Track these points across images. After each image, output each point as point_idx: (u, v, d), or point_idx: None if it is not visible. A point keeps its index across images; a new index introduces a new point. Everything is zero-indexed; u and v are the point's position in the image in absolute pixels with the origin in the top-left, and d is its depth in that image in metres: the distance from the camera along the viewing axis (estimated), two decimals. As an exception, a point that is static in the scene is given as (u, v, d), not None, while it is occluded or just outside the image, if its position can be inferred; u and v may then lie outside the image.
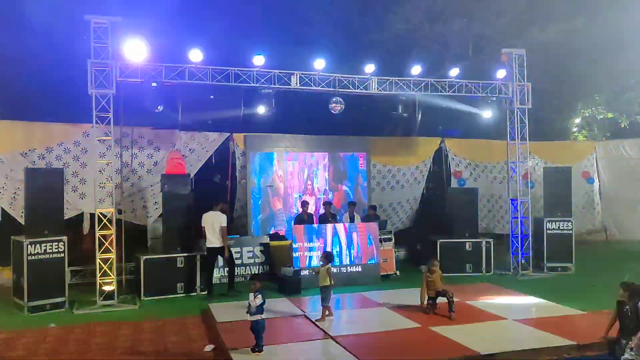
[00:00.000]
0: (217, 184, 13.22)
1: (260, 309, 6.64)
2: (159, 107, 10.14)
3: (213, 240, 10.45)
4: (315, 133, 13.92)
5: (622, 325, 6.82)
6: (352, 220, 12.59)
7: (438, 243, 12.58)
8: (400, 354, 6.64)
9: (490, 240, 12.76)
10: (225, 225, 10.56)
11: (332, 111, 11.27)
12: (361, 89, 11.47)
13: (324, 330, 7.64)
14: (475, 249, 12.59)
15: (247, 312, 6.71)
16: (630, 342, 6.53)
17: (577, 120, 20.06)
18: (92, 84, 9.64)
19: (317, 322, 8.08)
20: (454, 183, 15.37)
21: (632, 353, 6.43)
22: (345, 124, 13.78)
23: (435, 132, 15.35)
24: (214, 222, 10.47)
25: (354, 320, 8.10)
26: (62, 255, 9.50)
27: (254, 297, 6.58)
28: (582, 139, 19.64)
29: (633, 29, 16.45)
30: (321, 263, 8.65)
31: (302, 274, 10.86)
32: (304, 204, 12.59)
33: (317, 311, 8.64)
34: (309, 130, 13.86)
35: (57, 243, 9.45)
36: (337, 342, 7.10)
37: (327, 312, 8.30)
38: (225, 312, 8.76)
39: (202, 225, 10.47)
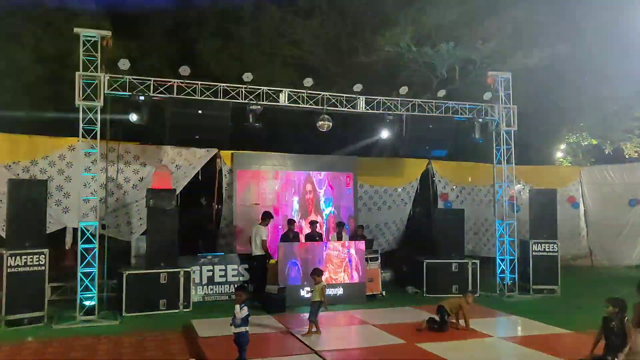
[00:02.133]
0: (206, 197, 13.14)
1: (245, 322, 6.52)
2: (138, 96, 10.00)
3: (255, 250, 11.45)
4: (302, 152, 13.93)
5: (608, 342, 6.78)
6: (340, 239, 12.55)
7: (424, 263, 12.53)
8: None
9: (477, 261, 12.74)
10: (265, 239, 11.44)
11: (320, 129, 11.30)
12: (349, 108, 11.54)
13: (308, 345, 7.52)
14: (462, 270, 12.55)
15: (231, 324, 6.58)
16: (616, 358, 6.51)
17: (562, 146, 20.33)
18: (80, 95, 9.61)
19: (302, 337, 7.96)
20: (440, 205, 15.39)
21: (618, 369, 6.41)
22: (332, 144, 13.84)
23: (422, 154, 15.39)
24: (256, 235, 11.45)
25: (338, 337, 7.98)
26: (43, 268, 9.32)
27: (240, 309, 6.47)
28: (567, 165, 19.87)
29: (616, 56, 16.81)
30: (313, 281, 8.51)
31: (286, 292, 10.75)
32: (290, 223, 12.53)
33: (301, 327, 8.53)
34: (296, 149, 13.87)
35: (38, 256, 9.28)
36: (321, 356, 6.98)
37: (313, 328, 8.19)
38: (207, 327, 8.61)
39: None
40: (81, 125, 9.63)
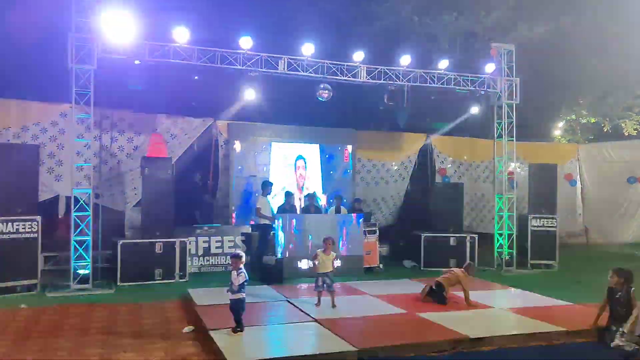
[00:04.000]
0: (200, 172, 12.93)
1: (242, 288, 6.37)
2: (133, 60, 9.72)
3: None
4: (300, 123, 13.70)
5: (613, 312, 6.70)
6: (338, 212, 12.40)
7: (422, 237, 12.42)
8: (388, 337, 6.40)
9: (475, 235, 12.63)
10: (259, 207, 11.47)
11: (320, 98, 11.07)
12: (350, 77, 11.28)
13: (307, 313, 7.37)
14: (460, 244, 12.44)
15: (227, 291, 6.42)
16: (620, 329, 6.42)
17: (561, 124, 20.16)
18: (73, 58, 9.30)
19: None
20: (439, 180, 15.25)
21: (623, 339, 6.32)
22: (331, 116, 13.60)
23: (421, 128, 15.20)
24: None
25: (338, 306, 7.80)
26: (35, 235, 9.10)
27: (237, 274, 6.31)
28: (565, 142, 19.72)
29: (616, 32, 16.55)
30: (322, 249, 8.05)
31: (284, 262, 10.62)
32: (288, 195, 12.35)
33: (300, 297, 8.42)
34: (294, 121, 13.64)
35: (30, 223, 9.06)
36: (321, 324, 6.84)
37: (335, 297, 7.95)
38: (204, 295, 8.47)
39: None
40: (74, 89, 9.33)
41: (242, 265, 6.42)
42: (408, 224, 14.70)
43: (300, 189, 13.74)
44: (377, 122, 14.37)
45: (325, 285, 7.85)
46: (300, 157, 13.83)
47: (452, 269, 8.81)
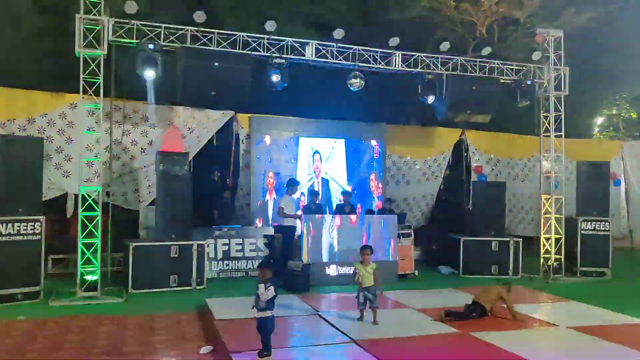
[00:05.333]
0: (218, 169, 11.99)
1: (270, 304, 5.39)
2: (147, 44, 8.79)
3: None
4: (327, 117, 12.68)
5: None
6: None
7: (461, 242, 11.35)
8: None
9: (519, 240, 11.52)
10: (283, 206, 10.53)
11: (351, 87, 10.05)
12: (383, 65, 10.25)
13: (343, 332, 6.37)
14: (502, 249, 11.35)
15: (253, 307, 5.45)
16: None
17: (601, 119, 18.91)
18: (81, 42, 8.41)
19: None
20: (474, 178, 14.16)
21: None
22: (360, 108, 12.59)
23: (456, 123, 14.06)
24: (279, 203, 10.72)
25: (380, 323, 6.78)
26: (39, 237, 8.22)
27: (265, 289, 5.33)
28: (607, 139, 18.45)
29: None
30: (360, 260, 7.05)
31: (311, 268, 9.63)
32: (314, 194, 11.37)
33: (332, 310, 7.43)
34: (320, 114, 12.61)
35: (32, 223, 8.17)
36: (362, 347, 5.83)
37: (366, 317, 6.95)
38: (224, 308, 7.49)
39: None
40: (82, 77, 8.44)
41: (270, 277, 5.43)
42: (441, 226, 13.67)
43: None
44: (409, 115, 13.29)
45: (367, 301, 6.83)
46: (316, 152, 12.79)
47: (488, 287, 7.66)
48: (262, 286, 5.34)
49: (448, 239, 12.00)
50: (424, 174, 14.09)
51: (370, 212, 11.98)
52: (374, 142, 13.08)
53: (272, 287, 5.35)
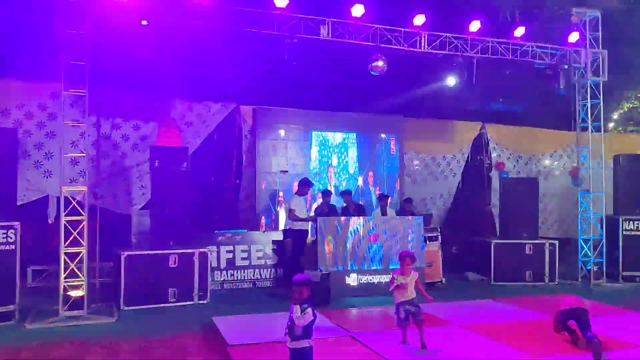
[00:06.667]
0: (220, 166, 10.75)
1: (308, 332, 4.17)
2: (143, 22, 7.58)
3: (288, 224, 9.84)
4: (339, 109, 11.49)
5: None
6: (384, 215, 10.22)
7: (492, 245, 10.18)
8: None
9: (555, 242, 10.39)
10: (293, 208, 9.37)
11: (372, 72, 8.87)
12: (407, 47, 9.08)
13: (388, 361, 5.16)
14: (537, 252, 10.21)
15: (286, 334, 4.22)
16: None
17: (620, 112, 17.82)
18: (61, 20, 7.15)
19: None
20: (494, 176, 13.04)
21: None
22: (376, 99, 11.41)
23: (477, 115, 12.96)
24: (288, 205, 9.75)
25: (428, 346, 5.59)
26: (13, 247, 6.95)
27: (301, 312, 4.10)
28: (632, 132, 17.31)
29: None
30: (399, 270, 5.84)
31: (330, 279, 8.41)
32: (326, 194, 10.19)
33: (367, 331, 6.20)
34: (331, 105, 11.41)
35: (5, 231, 6.90)
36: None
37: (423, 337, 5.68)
38: (236, 329, 6.27)
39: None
40: (64, 61, 7.17)
41: (308, 295, 4.21)
42: (460, 227, 12.55)
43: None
44: (427, 107, 12.08)
45: (410, 316, 5.64)
46: (327, 148, 11.62)
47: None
48: (297, 308, 4.11)
49: (475, 242, 10.86)
50: (442, 172, 12.94)
51: (383, 196, 10.78)
52: (389, 137, 11.91)
53: (309, 310, 4.13)
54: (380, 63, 8.76)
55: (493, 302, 8.16)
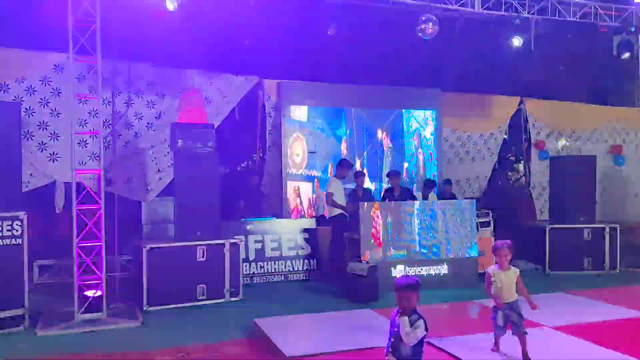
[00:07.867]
0: (245, 144, 9.74)
1: (419, 350, 3.18)
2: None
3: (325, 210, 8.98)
4: (374, 82, 10.43)
5: None
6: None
7: (546, 230, 9.21)
8: None
9: (616, 226, 9.41)
10: (332, 192, 8.61)
11: (422, 34, 7.83)
12: (458, 7, 8.01)
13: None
14: (596, 238, 9.24)
15: (388, 354, 3.22)
16: None
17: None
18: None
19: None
20: (534, 155, 12.06)
21: None
22: (413, 71, 10.38)
23: (516, 89, 11.90)
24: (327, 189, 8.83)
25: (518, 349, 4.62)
26: (19, 242, 5.89)
27: (412, 326, 3.10)
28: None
29: None
30: (495, 265, 4.82)
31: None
32: (359, 176, 9.20)
33: (448, 338, 5.21)
34: (365, 79, 10.35)
35: (10, 223, 5.84)
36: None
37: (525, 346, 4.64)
38: (288, 334, 5.30)
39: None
40: (71, 27, 6.09)
41: (417, 303, 3.22)
42: (502, 211, 11.55)
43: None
44: (465, 79, 11.04)
45: (510, 323, 4.64)
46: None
47: None
48: (405, 320, 3.12)
49: (523, 227, 9.89)
50: (478, 151, 11.91)
51: (430, 182, 9.84)
52: (428, 113, 10.88)
53: (422, 323, 3.13)
54: (429, 27, 7.70)
55: (567, 295, 7.18)
